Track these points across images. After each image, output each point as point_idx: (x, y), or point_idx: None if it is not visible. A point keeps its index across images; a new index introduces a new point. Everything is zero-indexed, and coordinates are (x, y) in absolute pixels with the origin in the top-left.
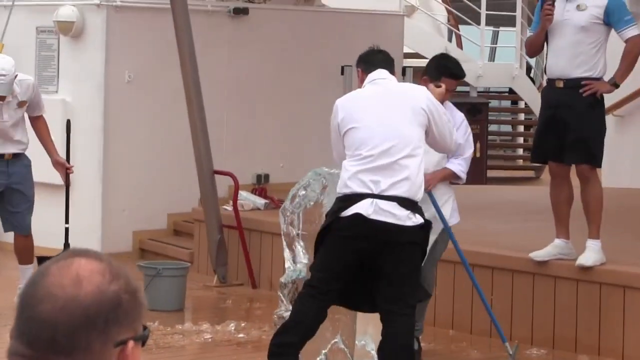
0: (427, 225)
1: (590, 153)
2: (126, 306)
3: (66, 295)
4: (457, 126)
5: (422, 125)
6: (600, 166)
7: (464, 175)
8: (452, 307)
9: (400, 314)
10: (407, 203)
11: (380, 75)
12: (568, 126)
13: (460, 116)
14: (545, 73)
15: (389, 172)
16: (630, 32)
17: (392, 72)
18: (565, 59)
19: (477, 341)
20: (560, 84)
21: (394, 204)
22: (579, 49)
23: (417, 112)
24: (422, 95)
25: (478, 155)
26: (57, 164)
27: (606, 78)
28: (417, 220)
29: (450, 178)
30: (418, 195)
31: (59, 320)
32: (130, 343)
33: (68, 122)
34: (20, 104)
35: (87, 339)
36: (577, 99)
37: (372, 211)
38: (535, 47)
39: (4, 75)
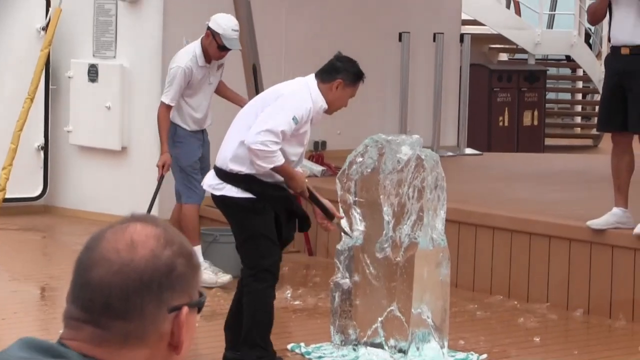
0: (238, 200)
1: None
2: (180, 271)
3: (121, 259)
4: None
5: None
6: None
7: None
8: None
9: (244, 281)
10: (220, 173)
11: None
12: (633, 94)
13: None
14: (609, 41)
15: None
16: None
17: (324, 79)
18: (631, 26)
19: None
20: (627, 51)
21: (212, 173)
22: None
23: (260, 101)
24: (276, 90)
25: (536, 123)
26: None
27: None
28: (224, 191)
29: None
30: (227, 166)
31: (113, 284)
32: (185, 309)
33: (254, 67)
34: (219, 67)
35: (141, 303)
36: None
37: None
38: (598, 15)
39: (237, 30)
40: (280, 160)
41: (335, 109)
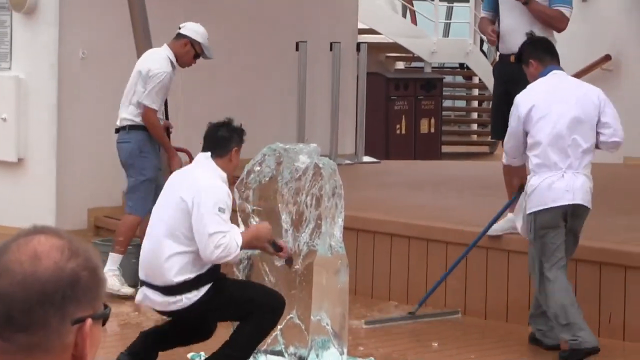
0: (208, 295)
1: None
2: (85, 283)
3: (24, 270)
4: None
5: (182, 211)
6: None
7: None
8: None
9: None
10: (166, 290)
11: None
12: None
13: None
14: (498, 49)
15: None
16: (562, 9)
17: (220, 154)
18: (517, 35)
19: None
20: (513, 59)
21: (154, 292)
22: (530, 25)
23: (179, 198)
24: (189, 191)
25: (433, 130)
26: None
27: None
28: (183, 303)
29: None
30: (173, 282)
31: (15, 295)
32: (89, 321)
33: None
34: None
35: (44, 316)
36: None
37: (141, 297)
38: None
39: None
40: (238, 239)
41: (232, 173)
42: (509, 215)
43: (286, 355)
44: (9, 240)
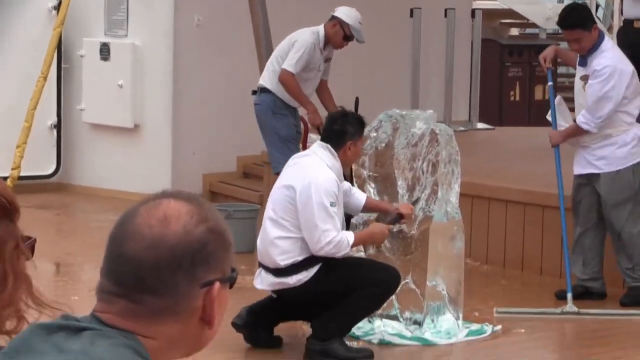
0: (319, 274)
1: None
2: (213, 247)
3: (153, 234)
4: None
5: (288, 199)
6: None
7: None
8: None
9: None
10: (277, 272)
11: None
12: None
13: None
14: (622, 14)
15: None
16: None
17: (334, 146)
18: None
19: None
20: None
21: (268, 275)
22: None
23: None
24: (299, 188)
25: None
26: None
27: None
28: (300, 281)
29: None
30: (283, 263)
31: (146, 258)
32: (217, 284)
33: (356, 100)
34: (326, 59)
35: (173, 279)
36: None
37: (257, 278)
38: None
39: (362, 23)
40: (350, 239)
41: (352, 164)
42: None
43: (401, 319)
44: (138, 204)
